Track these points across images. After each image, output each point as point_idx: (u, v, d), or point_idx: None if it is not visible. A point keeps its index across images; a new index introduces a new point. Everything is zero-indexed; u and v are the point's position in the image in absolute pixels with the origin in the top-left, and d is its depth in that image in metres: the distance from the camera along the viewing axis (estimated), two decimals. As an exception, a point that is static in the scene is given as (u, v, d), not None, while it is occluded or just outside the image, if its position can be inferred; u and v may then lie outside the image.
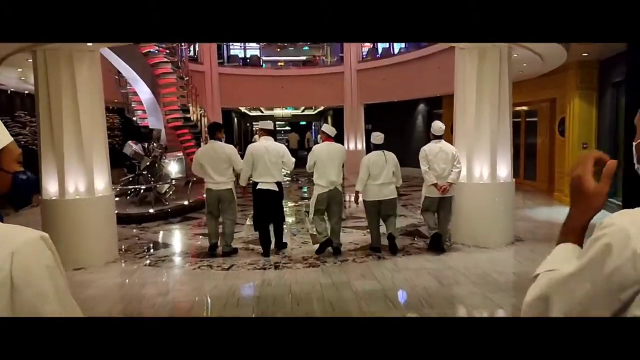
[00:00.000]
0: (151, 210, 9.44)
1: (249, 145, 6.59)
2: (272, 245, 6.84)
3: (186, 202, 10.30)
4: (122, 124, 16.00)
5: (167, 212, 9.62)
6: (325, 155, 6.33)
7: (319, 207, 6.40)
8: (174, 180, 10.58)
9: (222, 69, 19.34)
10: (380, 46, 23.26)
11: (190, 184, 10.53)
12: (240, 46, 25.46)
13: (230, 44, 25.00)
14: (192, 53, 19.65)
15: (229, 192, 6.47)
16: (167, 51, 10.65)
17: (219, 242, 6.80)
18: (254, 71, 20.10)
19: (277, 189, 6.39)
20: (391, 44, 23.53)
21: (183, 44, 11.36)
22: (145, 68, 10.49)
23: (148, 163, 9.99)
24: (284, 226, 7.30)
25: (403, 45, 23.27)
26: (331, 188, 6.32)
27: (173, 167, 10.92)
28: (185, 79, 11.69)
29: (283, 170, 6.68)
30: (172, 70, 10.96)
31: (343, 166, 6.76)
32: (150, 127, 11.37)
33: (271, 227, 6.69)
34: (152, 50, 10.34)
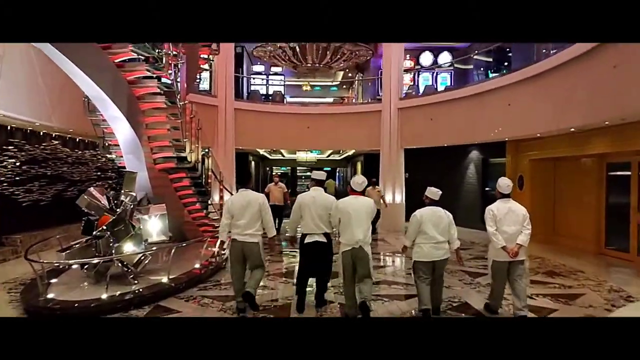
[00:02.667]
0: (103, 297, 6.18)
1: (299, 196, 6.50)
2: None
3: (165, 279, 7.06)
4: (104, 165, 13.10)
5: (130, 297, 6.37)
6: (351, 211, 5.90)
7: (346, 271, 5.92)
8: (152, 246, 7.43)
9: (239, 104, 16.53)
10: (423, 82, 20.33)
11: (173, 251, 7.31)
12: (263, 80, 22.81)
13: (252, 79, 22.42)
14: (205, 86, 16.97)
15: (257, 246, 6.11)
16: (155, 64, 7.66)
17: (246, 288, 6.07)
18: (276, 108, 17.23)
19: (325, 241, 6.22)
20: (435, 80, 20.62)
21: (179, 59, 8.38)
22: (119, 85, 7.50)
23: (111, 220, 6.85)
24: (329, 282, 6.82)
25: (448, 82, 20.34)
26: (355, 246, 5.79)
27: (153, 226, 7.76)
28: (181, 103, 8.65)
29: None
30: (160, 91, 7.93)
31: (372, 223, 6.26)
32: (127, 168, 8.28)
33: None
34: (129, 58, 7.37)
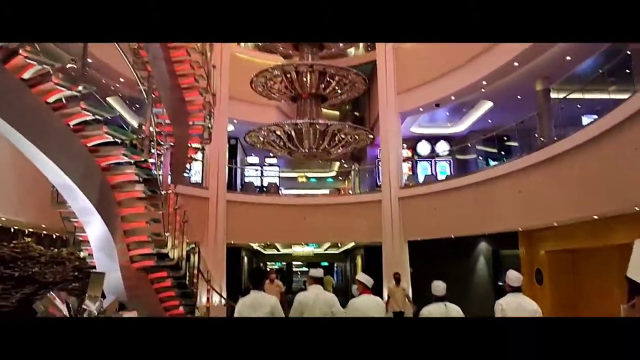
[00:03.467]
0: None
1: (298, 295, 6.08)
2: None
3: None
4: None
5: None
6: (363, 312, 5.60)
7: None
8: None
9: (232, 196, 15.69)
10: (421, 172, 19.74)
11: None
12: (257, 172, 22.19)
13: (246, 170, 21.82)
14: (197, 178, 16.24)
15: None
16: (133, 148, 6.78)
17: None
18: (271, 199, 16.39)
19: None
20: (434, 169, 20.07)
21: (163, 143, 7.57)
22: (91, 172, 6.60)
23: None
24: None
25: (448, 171, 19.77)
26: None
27: (121, 339, 6.48)
28: (164, 192, 7.72)
29: None
30: (138, 179, 7.00)
31: None
32: (96, 268, 7.13)
33: None
34: (103, 142, 6.49)
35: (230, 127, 18.58)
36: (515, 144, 16.53)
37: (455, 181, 14.22)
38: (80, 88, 5.68)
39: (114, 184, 6.95)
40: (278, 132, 8.79)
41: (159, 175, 7.55)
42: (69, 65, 5.80)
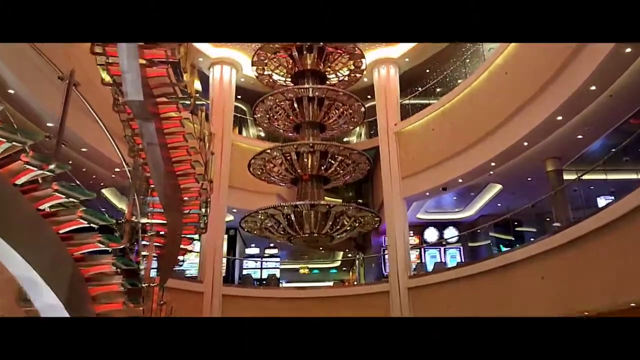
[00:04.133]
0: None
1: None
2: None
3: None
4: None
5: None
6: None
7: None
8: None
9: (229, 290, 14.61)
10: (430, 260, 18.69)
11: None
12: (257, 264, 21.09)
13: (245, 261, 20.76)
14: (194, 272, 15.27)
15: None
16: (110, 235, 5.99)
17: None
18: (270, 292, 15.26)
19: None
20: (443, 256, 19.05)
21: (150, 229, 6.78)
22: (61, 263, 5.75)
23: None
24: None
25: (458, 258, 18.74)
26: None
27: None
28: (146, 286, 6.81)
29: None
30: (117, 270, 6.11)
31: None
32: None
33: None
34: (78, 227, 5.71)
35: (230, 217, 17.91)
36: (530, 229, 15.73)
37: (468, 268, 13.21)
38: (52, 167, 5.04)
39: (88, 276, 6.07)
40: (276, 217, 8.09)
41: (142, 266, 6.68)
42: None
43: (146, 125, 8.36)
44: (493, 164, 13.19)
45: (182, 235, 9.67)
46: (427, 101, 16.50)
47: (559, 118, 10.87)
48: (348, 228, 8.16)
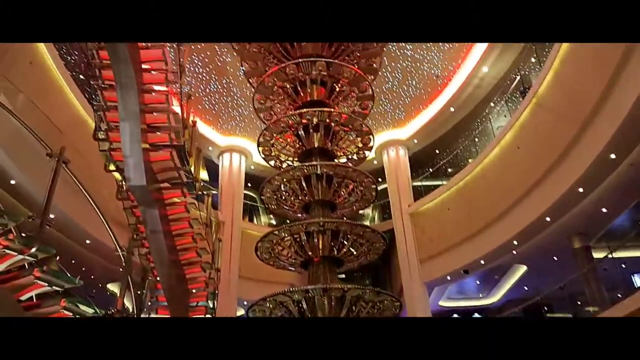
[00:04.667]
0: None
1: None
2: None
3: None
4: None
5: None
6: None
7: None
8: None
9: None
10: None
11: None
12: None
13: None
14: None
15: None
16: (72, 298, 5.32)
17: None
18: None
19: None
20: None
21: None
22: None
23: None
24: None
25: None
26: None
27: None
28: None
29: None
30: None
31: None
32: None
33: None
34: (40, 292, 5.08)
35: (240, 311, 16.97)
36: (563, 314, 14.56)
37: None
38: (33, 250, 4.60)
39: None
40: (286, 305, 7.40)
41: None
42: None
43: (150, 212, 8.01)
44: (515, 242, 12.47)
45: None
46: (439, 182, 16.14)
47: (580, 190, 10.34)
48: (365, 316, 7.44)
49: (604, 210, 11.38)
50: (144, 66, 5.56)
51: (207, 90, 15.81)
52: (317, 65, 9.79)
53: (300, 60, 10.07)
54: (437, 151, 17.54)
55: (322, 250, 7.70)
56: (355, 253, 8.09)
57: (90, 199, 6.42)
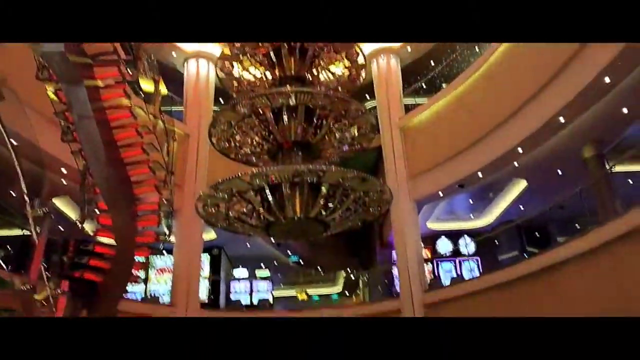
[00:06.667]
0: None
1: None
2: None
3: None
4: None
5: None
6: None
7: None
8: None
9: (209, 314, 12.20)
10: (444, 275, 16.27)
11: None
12: (246, 290, 18.55)
13: (233, 285, 18.29)
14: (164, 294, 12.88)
15: None
16: None
17: None
18: (261, 315, 12.80)
19: None
20: (459, 266, 16.64)
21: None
22: None
23: None
24: None
25: (477, 270, 16.33)
26: None
27: None
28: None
29: None
30: None
31: None
32: None
33: None
34: None
35: (212, 235, 15.60)
36: (562, 238, 13.39)
37: (501, 274, 10.72)
38: None
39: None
40: (248, 197, 5.73)
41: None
42: None
43: (74, 91, 6.19)
44: (520, 150, 10.96)
45: (136, 244, 7.41)
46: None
47: (607, 80, 8.71)
48: (346, 210, 5.78)
49: (625, 110, 9.87)
50: None
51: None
52: None
53: None
54: (433, 63, 15.62)
55: (294, 133, 5.94)
56: (337, 136, 6.31)
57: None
